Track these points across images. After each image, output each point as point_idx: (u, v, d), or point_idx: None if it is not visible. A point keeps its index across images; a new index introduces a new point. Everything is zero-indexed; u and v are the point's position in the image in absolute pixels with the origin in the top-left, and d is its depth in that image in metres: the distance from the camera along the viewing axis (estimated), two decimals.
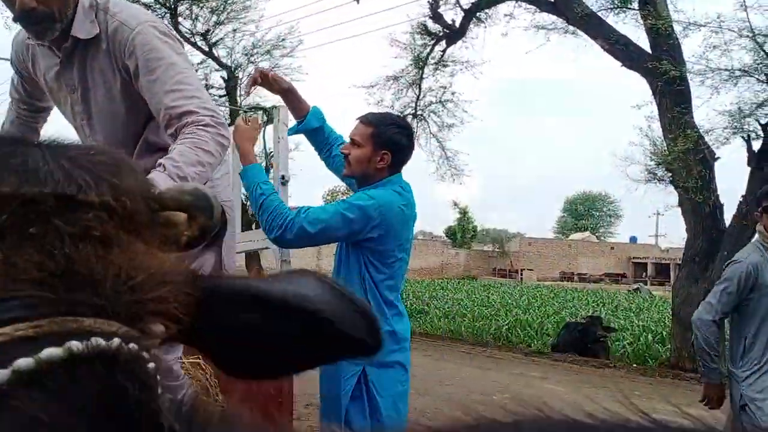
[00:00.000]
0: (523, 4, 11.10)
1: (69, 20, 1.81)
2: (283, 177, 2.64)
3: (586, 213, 68.21)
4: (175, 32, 2.04)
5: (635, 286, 34.76)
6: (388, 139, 2.47)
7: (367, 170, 2.50)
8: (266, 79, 2.62)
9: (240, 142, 2.41)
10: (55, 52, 1.90)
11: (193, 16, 16.46)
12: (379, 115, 2.65)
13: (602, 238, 62.23)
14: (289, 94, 2.70)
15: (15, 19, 1.77)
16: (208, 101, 1.79)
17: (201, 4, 16.35)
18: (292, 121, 2.70)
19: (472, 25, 12.73)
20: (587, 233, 58.92)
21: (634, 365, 9.22)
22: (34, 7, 1.70)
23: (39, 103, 2.25)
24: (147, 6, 16.05)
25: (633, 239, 55.92)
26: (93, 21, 1.84)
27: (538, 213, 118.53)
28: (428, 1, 12.57)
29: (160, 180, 1.50)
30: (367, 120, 2.53)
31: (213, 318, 0.58)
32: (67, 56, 1.90)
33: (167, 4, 15.79)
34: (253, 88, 2.65)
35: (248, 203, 2.28)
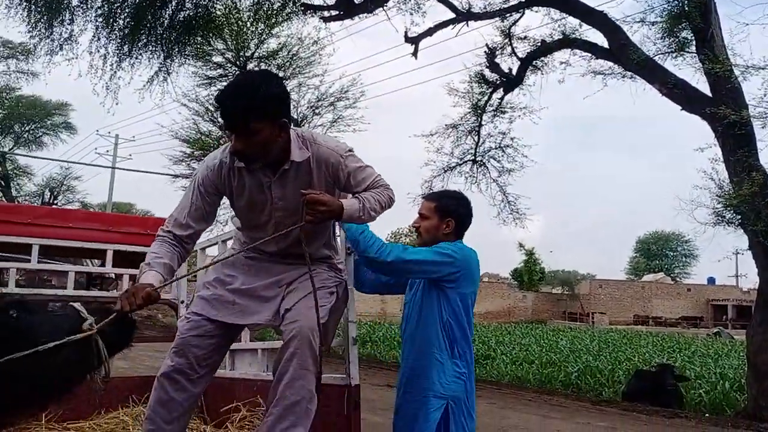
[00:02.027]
0: (579, 51, 11.23)
1: (276, 155, 2.41)
2: (348, 248, 2.97)
3: (659, 253, 65.74)
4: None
5: (715, 330, 33.13)
6: (450, 209, 2.95)
7: (436, 237, 2.94)
8: None
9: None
10: (266, 173, 2.48)
11: None
12: (440, 192, 3.21)
13: (678, 279, 59.72)
14: None
15: (231, 152, 2.39)
16: (385, 181, 2.62)
17: (268, 62, 17.28)
18: None
19: (528, 73, 12.93)
20: (661, 274, 56.63)
21: (707, 415, 8.84)
22: (241, 150, 2.33)
23: (192, 228, 2.56)
24: (219, 65, 17.14)
25: (711, 280, 53.32)
26: (302, 148, 2.47)
27: (608, 254, 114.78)
28: (484, 52, 12.88)
29: (356, 203, 2.46)
30: (430, 196, 3.08)
31: None
32: (281, 175, 2.47)
33: (237, 63, 16.76)
34: None
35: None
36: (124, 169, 31.67)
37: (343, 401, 2.86)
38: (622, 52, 9.70)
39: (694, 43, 9.60)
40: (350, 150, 2.58)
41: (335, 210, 2.39)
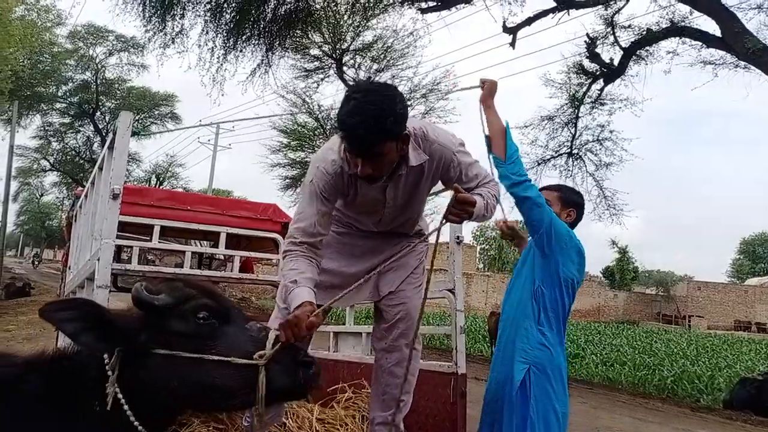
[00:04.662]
0: (688, 40, 10.69)
1: (395, 167, 2.40)
2: (458, 237, 3.03)
3: (765, 255, 61.55)
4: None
5: None
6: (572, 200, 3.08)
7: None
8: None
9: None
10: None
11: (356, 65, 17.65)
12: (559, 184, 3.29)
13: None
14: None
15: (360, 176, 2.34)
16: (492, 176, 2.64)
17: (363, 54, 17.52)
18: None
19: (631, 63, 12.43)
20: (767, 278, 52.99)
21: None
22: (371, 174, 2.30)
23: (322, 233, 2.51)
24: (316, 58, 17.55)
25: None
26: (416, 149, 2.43)
27: (709, 255, 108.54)
28: (584, 41, 12.50)
29: (482, 201, 2.38)
30: (551, 187, 3.18)
31: None
32: (396, 178, 2.47)
33: (333, 56, 17.10)
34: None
35: None
36: (227, 127, 33.09)
37: (450, 389, 2.93)
38: (735, 41, 9.15)
39: None
40: (461, 143, 2.58)
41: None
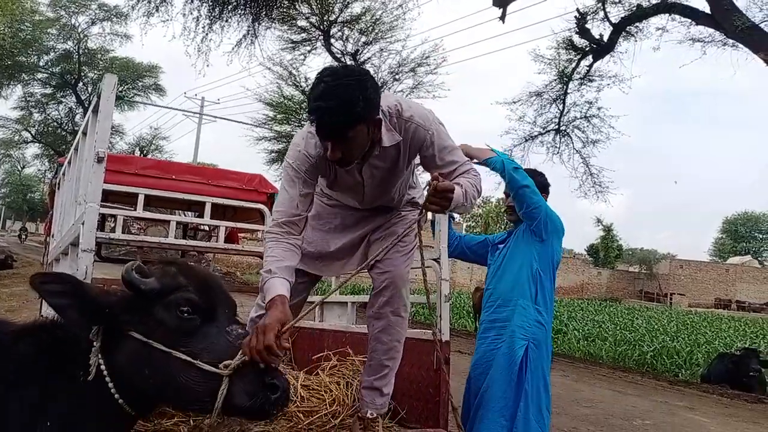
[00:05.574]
0: (677, 17, 10.68)
1: (369, 148, 2.35)
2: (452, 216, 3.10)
3: (747, 235, 62.47)
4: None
5: None
6: (541, 185, 3.19)
7: None
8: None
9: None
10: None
11: (344, 37, 17.44)
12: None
13: (766, 263, 56.60)
14: None
15: (330, 160, 2.29)
16: (473, 167, 2.54)
17: (351, 26, 17.30)
18: None
19: (620, 39, 12.41)
20: (748, 257, 53.85)
21: None
22: (341, 157, 2.25)
23: (304, 214, 2.48)
24: (303, 29, 17.31)
25: None
26: (390, 130, 2.37)
27: (693, 233, 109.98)
28: (575, 17, 12.44)
29: (460, 190, 2.26)
30: None
31: None
32: (371, 158, 2.44)
33: (321, 27, 16.87)
34: None
35: None
36: (210, 116, 32.81)
37: (433, 356, 2.95)
38: (725, 18, 9.15)
39: None
40: (440, 122, 2.50)
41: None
